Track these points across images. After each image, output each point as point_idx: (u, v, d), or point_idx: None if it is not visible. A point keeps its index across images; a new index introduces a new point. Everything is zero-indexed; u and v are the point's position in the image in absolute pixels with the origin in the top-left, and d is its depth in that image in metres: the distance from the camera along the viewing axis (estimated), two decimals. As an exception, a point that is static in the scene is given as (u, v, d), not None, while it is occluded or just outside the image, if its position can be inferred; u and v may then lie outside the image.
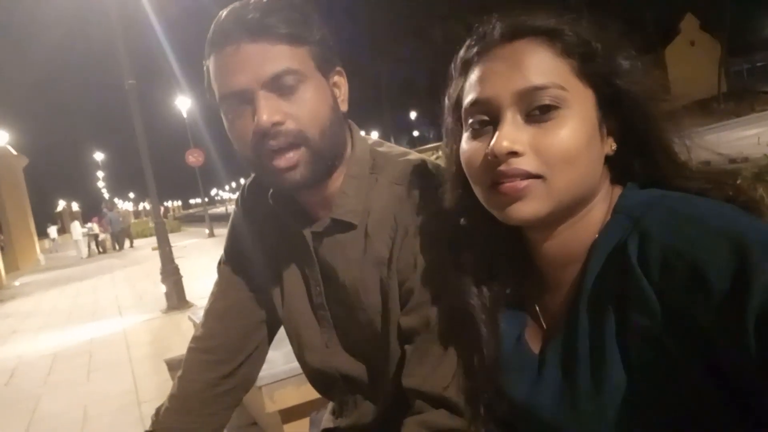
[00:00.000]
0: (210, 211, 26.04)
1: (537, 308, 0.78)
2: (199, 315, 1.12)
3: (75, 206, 57.51)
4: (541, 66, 0.68)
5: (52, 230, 33.61)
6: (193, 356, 1.14)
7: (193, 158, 17.41)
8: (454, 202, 0.80)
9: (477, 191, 0.73)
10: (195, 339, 1.15)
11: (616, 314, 0.64)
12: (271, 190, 0.99)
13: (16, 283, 15.25)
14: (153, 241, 8.27)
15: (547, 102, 0.66)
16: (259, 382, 2.08)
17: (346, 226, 0.94)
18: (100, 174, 70.84)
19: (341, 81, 0.94)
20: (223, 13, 0.86)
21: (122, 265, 15.16)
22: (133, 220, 37.17)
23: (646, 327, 0.61)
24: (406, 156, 0.98)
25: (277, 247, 1.05)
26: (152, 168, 7.58)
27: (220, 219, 27.93)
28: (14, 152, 22.87)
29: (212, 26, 0.87)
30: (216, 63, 0.86)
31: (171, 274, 7.31)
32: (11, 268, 17.98)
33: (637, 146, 0.71)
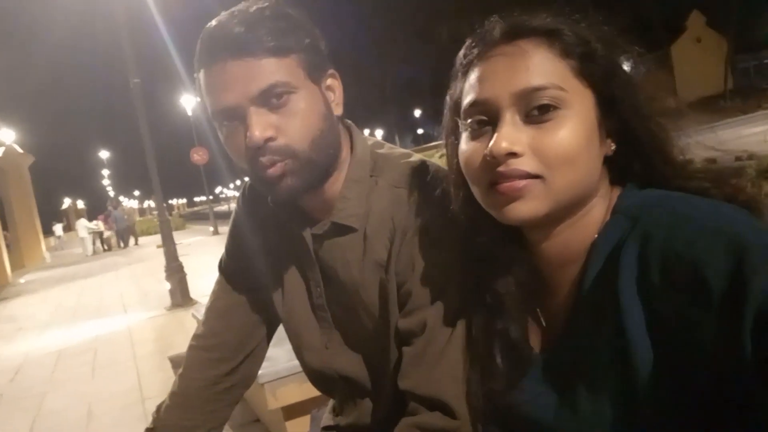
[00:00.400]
0: (214, 209, 26.12)
1: (537, 308, 0.78)
2: (202, 312, 1.13)
3: (80, 204, 57.76)
4: (540, 66, 0.67)
5: (58, 228, 33.80)
6: (194, 354, 1.15)
7: (198, 156, 17.45)
8: (456, 203, 0.80)
9: (475, 191, 0.73)
10: (196, 337, 1.16)
11: (614, 318, 0.64)
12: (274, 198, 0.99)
13: (22, 281, 15.32)
14: (158, 238, 8.29)
15: (545, 102, 0.66)
16: (261, 379, 2.09)
17: (346, 230, 0.94)
18: (106, 172, 71.14)
19: (335, 84, 0.93)
20: (209, 27, 0.85)
21: (127, 263, 15.22)
22: (138, 218, 37.29)
23: (642, 338, 0.61)
24: (407, 158, 0.97)
25: (277, 247, 1.05)
26: (157, 166, 7.61)
27: (224, 217, 27.99)
28: (20, 151, 22.95)
29: (199, 41, 0.86)
30: (205, 80, 0.85)
31: (175, 271, 7.34)
32: (17, 265, 18.06)
33: (635, 147, 0.71)
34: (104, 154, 63.02)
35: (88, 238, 22.03)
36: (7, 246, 16.97)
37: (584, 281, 0.69)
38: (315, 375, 1.07)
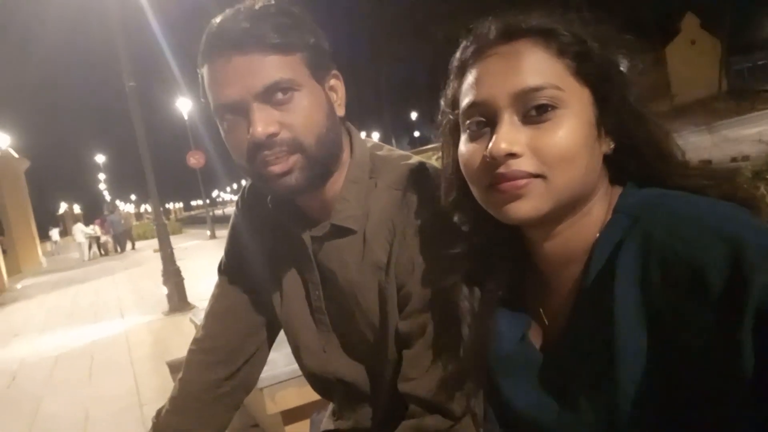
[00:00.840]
0: (211, 213, 26.06)
1: (540, 309, 0.78)
2: (200, 317, 1.13)
3: (77, 208, 57.61)
4: (536, 66, 0.67)
5: (54, 232, 33.68)
6: (193, 358, 1.14)
7: (194, 160, 17.43)
8: (451, 204, 0.80)
9: (475, 191, 0.73)
10: (195, 341, 1.16)
11: (615, 318, 0.64)
12: (272, 196, 0.99)
13: (18, 286, 15.25)
14: (155, 243, 8.27)
15: (543, 102, 0.66)
16: (260, 384, 2.08)
17: (345, 232, 0.94)
18: (102, 176, 70.93)
19: (338, 85, 0.93)
20: (215, 22, 0.85)
21: (124, 267, 15.16)
22: (134, 222, 37.18)
23: (643, 337, 0.61)
24: (406, 160, 0.97)
25: (276, 250, 1.04)
26: (153, 170, 7.58)
27: (221, 221, 27.94)
28: (16, 155, 22.88)
29: (204, 36, 0.86)
30: (209, 74, 0.85)
31: (172, 275, 7.32)
32: (13, 270, 17.99)
33: (634, 145, 0.71)
34: (100, 158, 62.82)
35: (85, 243, 21.97)
36: (3, 251, 16.90)
37: (585, 280, 0.69)
38: (313, 378, 1.07)
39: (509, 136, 0.66)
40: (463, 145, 0.73)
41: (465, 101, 0.72)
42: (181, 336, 5.60)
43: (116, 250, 22.39)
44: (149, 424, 1.14)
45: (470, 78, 0.72)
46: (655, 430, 0.62)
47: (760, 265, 0.52)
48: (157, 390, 4.10)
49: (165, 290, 7.32)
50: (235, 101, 0.83)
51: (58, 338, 7.00)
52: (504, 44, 0.70)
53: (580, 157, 0.67)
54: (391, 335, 0.92)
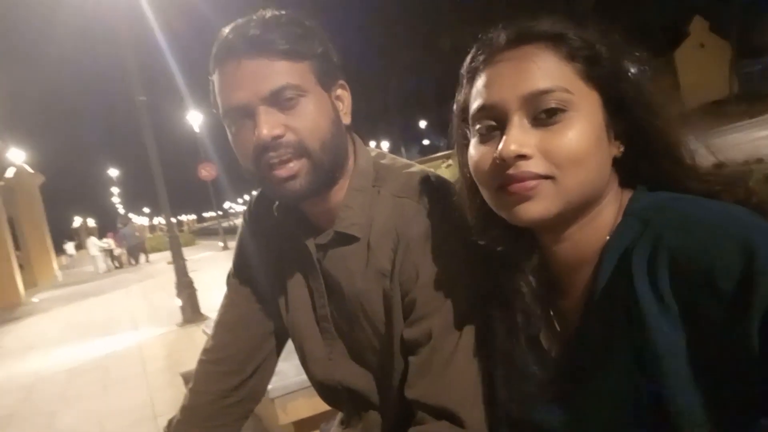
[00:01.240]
0: (224, 224, 26.22)
1: (551, 311, 0.78)
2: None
3: (91, 222, 58.17)
4: (546, 70, 0.68)
5: (70, 246, 34.09)
6: (203, 368, 1.16)
7: (206, 172, 17.54)
8: (471, 210, 0.80)
9: (485, 194, 0.73)
10: (205, 351, 1.17)
11: (625, 320, 0.64)
12: (276, 203, 1.00)
13: (35, 300, 15.40)
14: (168, 255, 8.33)
15: (553, 105, 0.67)
16: (271, 394, 2.09)
17: (349, 239, 0.95)
18: (115, 190, 71.63)
19: (344, 94, 0.95)
20: (227, 29, 0.88)
21: (137, 280, 15.26)
22: (148, 235, 37.47)
23: (654, 340, 0.61)
24: (409, 168, 0.98)
25: (283, 259, 1.06)
26: (165, 182, 7.66)
27: (233, 232, 28.05)
28: (30, 170, 23.18)
29: (215, 42, 0.88)
30: (219, 78, 0.88)
31: (185, 287, 7.36)
32: (29, 284, 18.16)
33: (643, 148, 0.72)
34: (113, 172, 63.50)
35: (100, 256, 22.16)
36: (20, 265, 17.08)
37: (596, 284, 0.69)
38: (320, 386, 1.08)
39: (519, 137, 0.67)
40: (473, 148, 0.73)
41: (475, 105, 0.73)
42: (195, 347, 5.62)
43: (130, 263, 22.55)
44: (163, 436, 1.15)
45: (480, 82, 0.73)
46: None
47: None
48: (172, 402, 4.12)
49: (178, 302, 7.36)
50: (243, 104, 0.85)
51: (73, 351, 7.05)
52: (513, 49, 0.71)
53: (589, 158, 0.67)
54: (396, 342, 0.92)
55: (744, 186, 0.68)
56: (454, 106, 0.81)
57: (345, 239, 0.95)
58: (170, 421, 1.15)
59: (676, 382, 0.60)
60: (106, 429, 4.04)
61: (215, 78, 0.89)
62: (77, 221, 55.30)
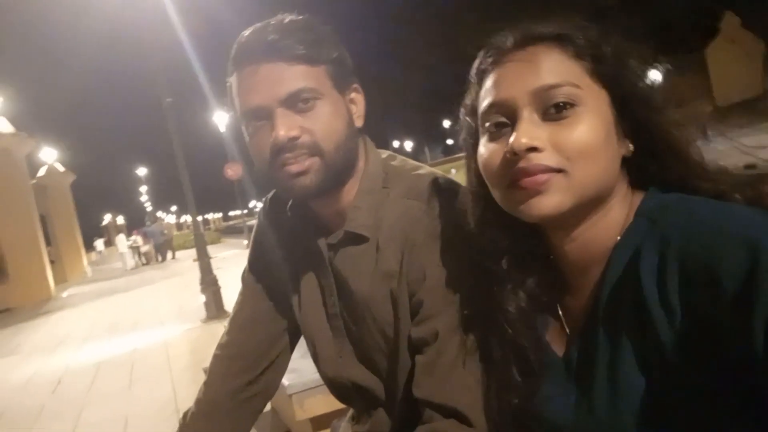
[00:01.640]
0: (248, 223, 26.52)
1: (560, 311, 0.78)
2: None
3: (120, 220, 59.31)
4: (554, 66, 0.69)
5: (99, 243, 34.79)
6: (218, 363, 1.18)
7: (232, 171, 17.78)
8: (479, 210, 0.80)
9: (495, 192, 0.74)
10: (220, 346, 1.19)
11: (633, 320, 0.64)
12: (290, 203, 1.02)
13: (64, 295, 15.79)
14: (194, 252, 8.48)
15: (562, 100, 0.67)
16: (289, 390, 2.11)
17: (358, 239, 0.96)
18: (144, 188, 73.00)
19: (358, 98, 0.97)
20: (245, 33, 0.90)
21: (164, 277, 15.54)
22: (175, 233, 38.07)
23: (662, 340, 0.61)
24: (418, 170, 0.99)
25: (296, 257, 1.07)
26: (192, 181, 7.80)
27: (257, 230, 28.21)
28: (62, 169, 23.77)
29: (234, 46, 0.91)
30: (237, 81, 0.90)
31: (210, 284, 7.47)
32: (60, 279, 18.62)
33: (650, 147, 0.72)
34: (142, 171, 64.73)
35: (128, 253, 22.60)
36: (51, 261, 17.52)
37: (605, 283, 0.69)
38: (331, 383, 1.09)
39: (530, 131, 0.67)
40: (483, 147, 0.74)
41: (484, 103, 0.73)
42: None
43: (157, 260, 22.96)
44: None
45: (489, 82, 0.73)
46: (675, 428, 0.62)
47: None
48: (194, 397, 4.18)
49: (203, 299, 7.47)
50: (260, 107, 0.87)
51: (101, 346, 7.22)
52: (521, 50, 0.72)
53: (599, 152, 0.67)
54: (403, 342, 0.93)
55: (754, 188, 0.67)
56: (462, 109, 0.82)
57: (354, 239, 0.96)
58: (185, 414, 1.18)
59: (679, 382, 0.60)
60: (131, 423, 4.13)
61: (233, 80, 0.91)
62: (107, 218, 56.46)
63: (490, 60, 0.75)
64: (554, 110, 0.67)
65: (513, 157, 0.67)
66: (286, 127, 0.86)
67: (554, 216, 0.68)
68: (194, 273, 8.24)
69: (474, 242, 0.81)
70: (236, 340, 1.17)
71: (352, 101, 0.96)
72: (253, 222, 1.26)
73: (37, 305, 13.67)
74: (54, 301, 14.63)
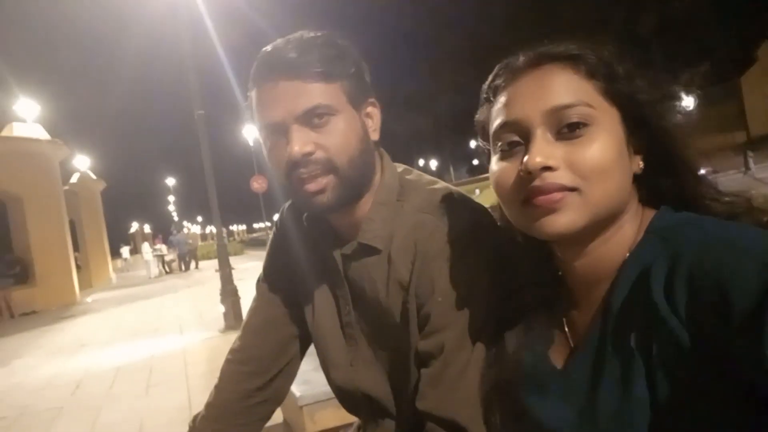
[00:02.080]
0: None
1: (565, 326, 0.78)
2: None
3: (147, 228, 60.33)
4: (567, 86, 0.69)
5: (125, 250, 35.35)
6: (229, 367, 1.19)
7: (258, 185, 17.99)
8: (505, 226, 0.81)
9: (508, 210, 0.74)
10: (232, 351, 1.21)
11: (641, 335, 0.64)
12: (305, 213, 1.03)
13: (89, 300, 16.05)
14: (217, 263, 8.59)
15: (575, 119, 0.68)
16: (300, 402, 2.12)
17: (371, 251, 0.97)
18: (171, 198, 74.24)
19: (374, 112, 0.98)
20: (266, 49, 0.93)
21: (186, 286, 15.72)
22: (200, 243, 38.54)
23: (670, 355, 0.60)
24: (433, 185, 1.01)
25: (310, 266, 1.09)
26: (219, 193, 7.93)
27: (280, 244, 28.38)
28: (93, 176, 24.33)
29: (255, 62, 0.93)
30: (257, 96, 0.92)
31: (230, 294, 7.54)
32: (85, 285, 18.93)
33: (661, 165, 0.72)
34: (170, 181, 65.91)
35: (152, 261, 22.93)
36: (78, 266, 17.85)
37: (614, 299, 0.68)
38: (340, 392, 1.09)
39: (545, 150, 0.67)
40: (495, 165, 0.74)
41: (497, 122, 0.74)
42: (235, 354, 5.73)
43: (180, 269, 23.24)
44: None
45: (501, 101, 0.74)
46: None
47: None
48: (208, 405, 4.21)
49: (222, 309, 7.54)
50: (277, 122, 0.89)
51: (121, 351, 7.31)
52: (534, 69, 0.72)
53: (613, 171, 0.67)
54: (413, 353, 0.94)
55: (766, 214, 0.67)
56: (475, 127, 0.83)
57: (368, 251, 0.97)
58: (195, 417, 1.19)
59: (687, 396, 0.59)
60: (146, 427, 4.17)
61: (253, 95, 0.93)
62: (134, 227, 57.46)
63: (503, 78, 0.75)
64: (567, 130, 0.68)
65: (527, 176, 0.68)
66: (300, 143, 0.88)
67: (568, 234, 0.68)
68: (216, 283, 8.33)
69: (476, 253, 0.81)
70: (248, 346, 1.19)
71: (368, 115, 0.97)
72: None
73: (62, 309, 13.93)
74: (78, 305, 14.88)
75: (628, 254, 0.70)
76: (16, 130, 15.33)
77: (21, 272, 14.76)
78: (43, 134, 15.86)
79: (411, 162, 1.09)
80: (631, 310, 0.66)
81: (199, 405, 1.19)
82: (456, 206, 0.95)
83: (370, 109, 0.97)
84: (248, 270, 15.93)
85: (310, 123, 0.89)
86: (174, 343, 7.28)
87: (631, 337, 0.65)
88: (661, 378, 0.61)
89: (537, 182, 0.67)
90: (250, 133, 21.16)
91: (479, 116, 0.81)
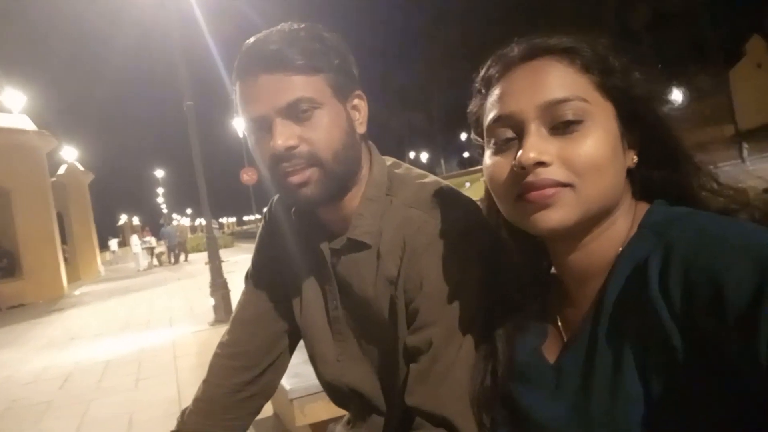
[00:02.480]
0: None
1: (559, 321, 0.78)
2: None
3: (136, 220, 59.95)
4: (562, 80, 0.69)
5: (113, 243, 35.15)
6: (218, 362, 1.18)
7: (248, 177, 17.91)
8: (492, 221, 0.81)
9: (501, 205, 0.74)
10: (221, 345, 1.20)
11: (635, 331, 0.64)
12: (293, 208, 1.02)
13: (77, 293, 15.94)
14: (207, 255, 8.56)
15: (570, 115, 0.67)
16: (291, 395, 2.11)
17: (360, 246, 0.96)
18: (160, 190, 73.77)
19: (361, 104, 0.96)
20: (249, 42, 0.91)
21: (176, 278, 15.65)
22: (189, 235, 38.36)
23: (663, 350, 0.60)
24: (422, 179, 1.00)
25: (299, 260, 1.08)
26: (208, 185, 7.88)
27: (271, 236, 28.33)
28: (81, 168, 24.10)
29: (238, 55, 0.91)
30: (240, 91, 0.91)
31: (220, 287, 7.51)
32: (73, 278, 18.80)
33: (655, 159, 0.72)
34: (159, 173, 65.47)
35: (141, 253, 22.80)
36: (65, 259, 17.71)
37: (608, 294, 0.68)
38: (328, 387, 1.09)
39: (538, 145, 0.67)
40: (488, 159, 0.74)
41: (491, 116, 0.73)
42: (225, 347, 5.72)
43: (170, 261, 23.12)
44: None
45: (495, 94, 0.73)
46: None
47: None
48: (198, 398, 4.20)
49: (212, 301, 7.51)
50: (261, 116, 0.88)
51: (110, 344, 7.27)
52: (528, 62, 0.72)
53: (607, 166, 0.67)
54: (400, 349, 0.93)
55: (763, 207, 0.67)
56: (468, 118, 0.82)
57: (357, 246, 0.97)
58: (183, 412, 1.18)
59: (680, 391, 0.59)
60: (136, 420, 4.15)
61: (237, 88, 0.92)
62: (122, 219, 57.03)
63: (497, 69, 0.75)
64: (562, 125, 0.67)
65: (520, 171, 0.67)
66: (284, 136, 0.87)
67: (561, 229, 0.68)
68: (206, 276, 8.30)
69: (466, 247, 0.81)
70: (237, 340, 1.18)
71: (355, 108, 0.95)
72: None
73: (50, 302, 13.82)
74: (67, 298, 14.78)
75: (621, 249, 0.70)
76: (2, 121, 15.12)
77: (8, 265, 14.64)
78: (29, 125, 15.67)
79: (402, 155, 1.08)
80: (624, 305, 0.66)
81: (188, 398, 1.18)
82: (445, 201, 0.94)
83: (356, 101, 0.96)
84: (238, 263, 15.88)
85: (294, 116, 0.88)
86: (163, 336, 7.24)
87: (624, 332, 0.65)
88: (654, 373, 0.62)
89: (530, 178, 0.67)
90: (240, 124, 20.99)
91: (472, 108, 0.80)
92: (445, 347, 0.86)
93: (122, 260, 33.11)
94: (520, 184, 0.68)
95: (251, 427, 1.23)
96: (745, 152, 21.14)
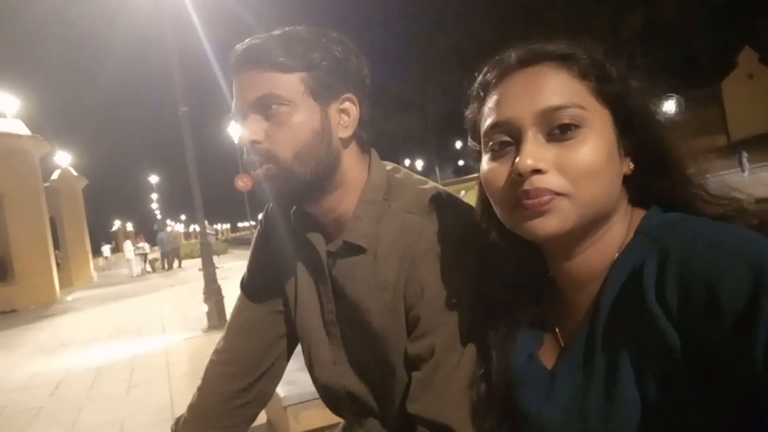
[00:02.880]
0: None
1: (556, 327, 0.78)
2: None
3: (129, 226, 59.66)
4: (559, 87, 0.69)
5: (106, 249, 34.91)
6: (213, 368, 1.18)
7: (242, 183, 17.61)
8: (484, 225, 0.81)
9: (498, 210, 0.74)
10: (216, 352, 1.19)
11: (631, 336, 0.64)
12: (293, 209, 1.02)
13: (69, 299, 15.82)
14: (201, 262, 8.52)
15: (567, 121, 0.67)
16: (285, 402, 2.10)
17: (356, 249, 0.96)
18: (154, 196, 73.53)
19: (351, 107, 0.95)
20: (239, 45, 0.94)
21: (169, 285, 15.57)
22: (183, 242, 38.21)
23: (660, 355, 0.60)
24: (422, 185, 1.00)
25: (295, 264, 1.07)
26: (203, 191, 7.85)
27: (265, 243, 28.25)
28: (75, 173, 23.98)
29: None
30: (232, 87, 0.94)
31: (213, 294, 7.47)
32: (66, 283, 18.66)
33: (652, 166, 0.72)
34: (153, 179, 65.27)
35: (134, 260, 22.67)
36: (58, 264, 17.59)
37: (604, 300, 0.69)
38: (323, 391, 1.08)
39: (535, 152, 0.67)
40: (485, 164, 0.74)
41: (488, 122, 0.73)
42: (218, 354, 5.68)
43: (163, 268, 23.01)
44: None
45: (492, 99, 0.73)
46: None
47: None
48: (191, 406, 4.16)
49: (205, 308, 7.47)
50: (237, 110, 0.92)
51: (102, 350, 7.21)
52: (525, 68, 0.72)
53: (603, 173, 0.67)
54: (398, 355, 0.93)
55: (760, 217, 0.67)
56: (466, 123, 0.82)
57: (353, 249, 0.96)
58: (177, 420, 1.17)
59: (676, 396, 0.60)
60: (127, 427, 4.11)
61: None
62: (116, 225, 56.73)
63: (494, 76, 0.75)
64: (559, 131, 0.68)
65: (518, 177, 0.68)
66: (251, 130, 0.90)
67: (557, 236, 0.68)
68: (199, 282, 8.26)
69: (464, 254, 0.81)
70: (233, 346, 1.17)
71: (343, 111, 0.94)
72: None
73: (42, 308, 13.71)
74: (59, 304, 14.66)
75: (617, 255, 0.70)
76: (-4, 125, 15.05)
77: (0, 270, 14.51)
78: (23, 130, 15.60)
79: (397, 162, 1.08)
80: (620, 310, 0.66)
81: (181, 405, 1.17)
82: (445, 207, 0.94)
83: (346, 104, 0.94)
84: (232, 269, 15.83)
85: (264, 112, 0.90)
86: (156, 342, 7.19)
87: (621, 337, 0.65)
88: (650, 378, 0.62)
89: (526, 186, 0.67)
90: (235, 130, 21.02)
91: (469, 113, 0.80)
92: (447, 355, 0.86)
93: (115, 266, 32.92)
94: (517, 191, 0.68)
95: (245, 435, 1.22)
96: (745, 161, 21.32)
